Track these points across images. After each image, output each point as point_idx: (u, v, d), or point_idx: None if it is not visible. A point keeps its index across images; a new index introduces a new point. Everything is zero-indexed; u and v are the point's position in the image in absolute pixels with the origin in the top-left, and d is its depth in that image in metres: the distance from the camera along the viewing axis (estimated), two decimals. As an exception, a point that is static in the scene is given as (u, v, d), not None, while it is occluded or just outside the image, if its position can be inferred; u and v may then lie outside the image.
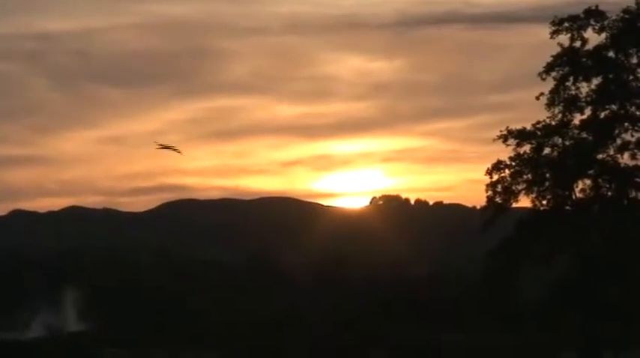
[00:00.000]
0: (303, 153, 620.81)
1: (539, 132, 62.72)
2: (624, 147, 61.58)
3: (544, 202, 62.51)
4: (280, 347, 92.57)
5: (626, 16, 61.59)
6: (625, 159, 61.65)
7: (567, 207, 62.66)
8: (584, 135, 62.45)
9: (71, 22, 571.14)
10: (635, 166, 61.56)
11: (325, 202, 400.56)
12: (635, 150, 61.36)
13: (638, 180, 61.36)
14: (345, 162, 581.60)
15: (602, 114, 62.14)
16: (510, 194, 62.81)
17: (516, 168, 62.90)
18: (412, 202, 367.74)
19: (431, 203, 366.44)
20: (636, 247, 61.11)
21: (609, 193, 62.00)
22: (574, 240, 62.56)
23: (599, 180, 62.06)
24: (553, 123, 62.71)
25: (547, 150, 63.14)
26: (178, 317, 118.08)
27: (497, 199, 62.89)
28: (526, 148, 63.06)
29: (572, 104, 62.30)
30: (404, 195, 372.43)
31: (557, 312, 64.07)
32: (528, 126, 62.97)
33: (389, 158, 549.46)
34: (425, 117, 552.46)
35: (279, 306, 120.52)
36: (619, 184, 61.33)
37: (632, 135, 61.52)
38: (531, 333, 78.96)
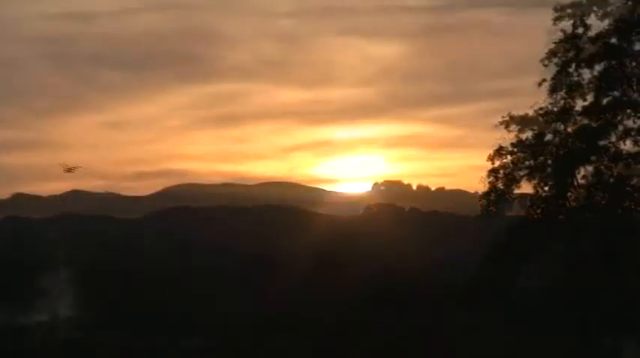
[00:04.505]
0: (305, 138, 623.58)
1: (541, 119, 62.59)
2: (626, 133, 61.41)
3: (546, 188, 62.33)
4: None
5: (630, 3, 61.27)
6: (627, 146, 61.54)
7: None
8: (586, 121, 62.30)
9: (74, 5, 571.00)
10: (638, 153, 61.36)
11: (327, 187, 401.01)
12: (638, 137, 61.18)
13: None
14: (347, 147, 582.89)
15: (605, 101, 61.95)
16: (512, 180, 62.69)
17: (518, 154, 62.76)
18: (414, 187, 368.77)
19: (433, 188, 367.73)
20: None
21: (611, 179, 61.78)
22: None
23: (602, 167, 61.90)
24: (555, 109, 62.57)
25: (549, 137, 62.99)
26: (179, 303, 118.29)
27: (499, 185, 62.74)
28: (528, 134, 62.93)
29: (575, 90, 62.13)
30: (406, 181, 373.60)
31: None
32: (531, 113, 62.84)
33: (391, 144, 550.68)
34: (428, 103, 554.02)
35: (279, 293, 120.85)
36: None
37: (635, 122, 61.37)
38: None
